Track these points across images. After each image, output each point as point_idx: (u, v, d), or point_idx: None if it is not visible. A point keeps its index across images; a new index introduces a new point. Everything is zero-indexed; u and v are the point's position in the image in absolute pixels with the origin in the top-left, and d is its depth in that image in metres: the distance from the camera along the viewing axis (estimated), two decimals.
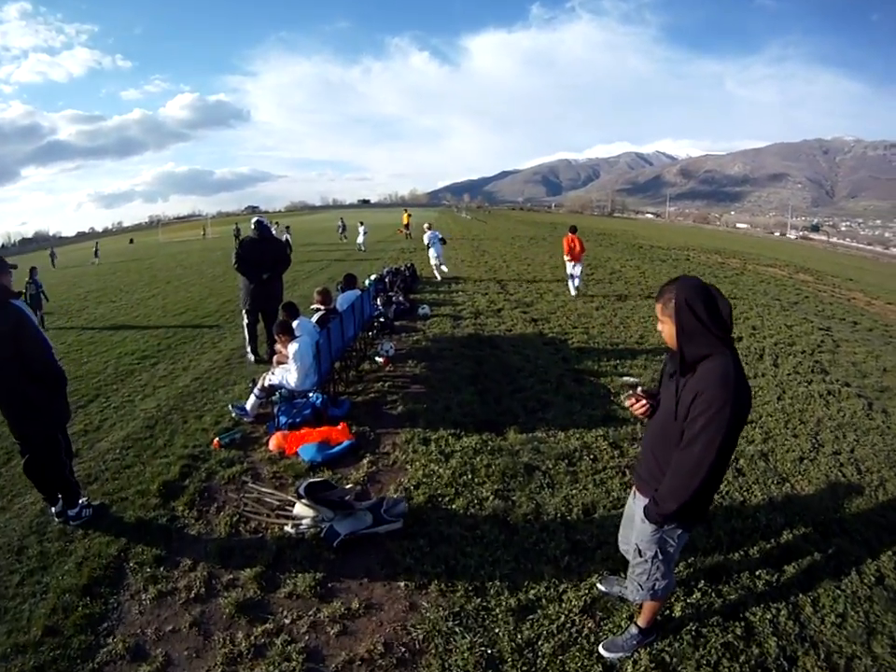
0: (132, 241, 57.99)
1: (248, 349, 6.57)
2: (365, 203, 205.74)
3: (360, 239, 21.67)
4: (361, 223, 22.88)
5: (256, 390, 4.67)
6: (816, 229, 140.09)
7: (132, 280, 17.60)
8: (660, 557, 2.08)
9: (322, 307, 5.72)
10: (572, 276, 10.50)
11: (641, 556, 2.11)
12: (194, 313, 10.39)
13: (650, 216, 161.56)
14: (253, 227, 6.34)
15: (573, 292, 10.43)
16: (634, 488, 2.25)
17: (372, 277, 12.29)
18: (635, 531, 2.15)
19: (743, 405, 1.79)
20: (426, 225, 14.25)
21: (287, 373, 4.56)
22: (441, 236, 13.49)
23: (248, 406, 4.67)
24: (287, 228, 24.97)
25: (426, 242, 13.28)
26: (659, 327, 1.95)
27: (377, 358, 6.23)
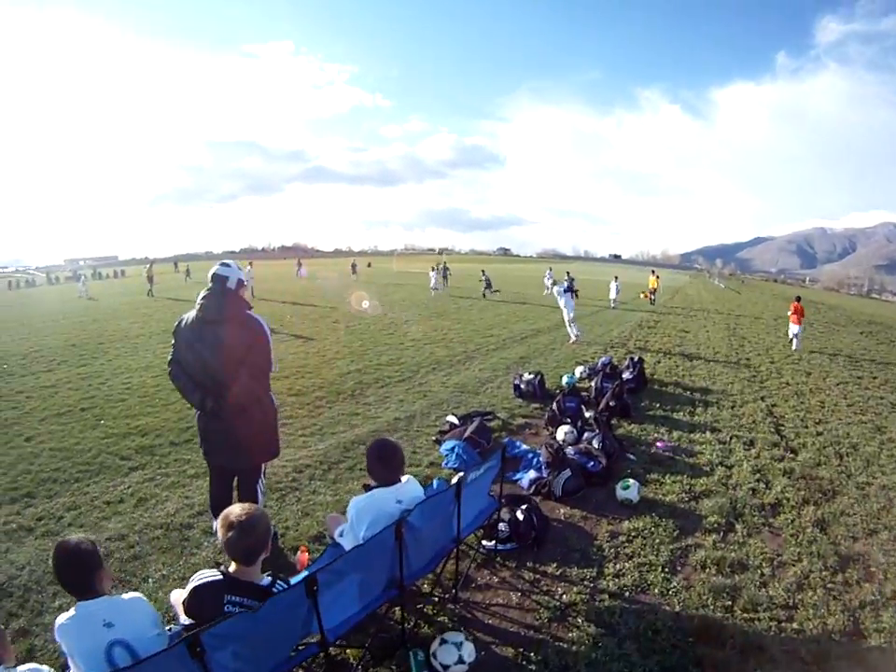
0: (370, 264, 65.71)
1: (213, 515, 3.83)
2: (616, 258, 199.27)
3: (612, 295, 21.97)
4: (616, 278, 22.93)
5: None
6: None
7: (301, 315, 16.97)
8: None
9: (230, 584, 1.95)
10: (796, 336, 12.70)
11: None
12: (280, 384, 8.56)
13: None
14: (207, 288, 3.19)
15: (794, 347, 12.58)
16: None
17: (577, 373, 8.42)
18: None
19: None
20: (568, 271, 14.10)
21: None
22: (575, 290, 12.71)
23: None
24: (484, 272, 24.74)
25: (556, 293, 12.62)
26: None
27: None
